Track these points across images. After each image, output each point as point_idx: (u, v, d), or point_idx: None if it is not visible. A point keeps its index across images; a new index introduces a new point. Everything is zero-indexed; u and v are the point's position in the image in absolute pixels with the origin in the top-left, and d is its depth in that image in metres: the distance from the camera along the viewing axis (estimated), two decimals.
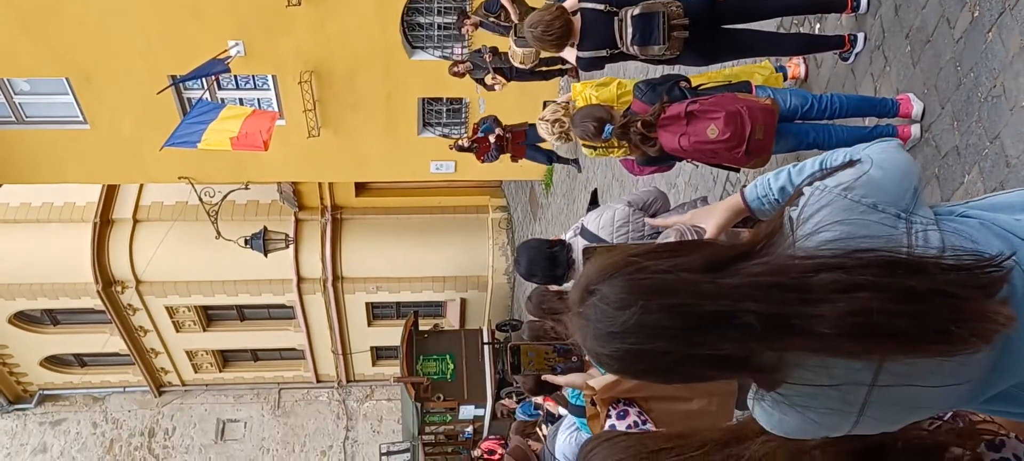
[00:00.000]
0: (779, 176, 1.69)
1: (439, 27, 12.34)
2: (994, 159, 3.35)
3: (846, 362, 1.25)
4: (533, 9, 8.03)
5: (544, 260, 3.89)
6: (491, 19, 8.67)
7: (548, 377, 3.82)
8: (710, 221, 1.83)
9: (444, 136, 13.70)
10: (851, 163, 1.47)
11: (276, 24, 11.50)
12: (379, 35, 11.93)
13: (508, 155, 10.87)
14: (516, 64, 8.51)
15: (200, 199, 15.05)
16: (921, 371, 1.27)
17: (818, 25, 5.05)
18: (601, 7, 4.25)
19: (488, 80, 9.30)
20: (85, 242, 17.32)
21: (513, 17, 7.84)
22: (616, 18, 4.14)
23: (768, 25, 5.12)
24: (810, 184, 1.43)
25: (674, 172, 7.68)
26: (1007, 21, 3.32)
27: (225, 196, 15.64)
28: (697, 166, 5.48)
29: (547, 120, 5.11)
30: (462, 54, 11.99)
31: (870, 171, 1.41)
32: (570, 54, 4.36)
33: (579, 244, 3.91)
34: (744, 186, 1.76)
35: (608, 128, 3.94)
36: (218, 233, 15.53)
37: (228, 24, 11.51)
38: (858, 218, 1.36)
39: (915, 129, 3.94)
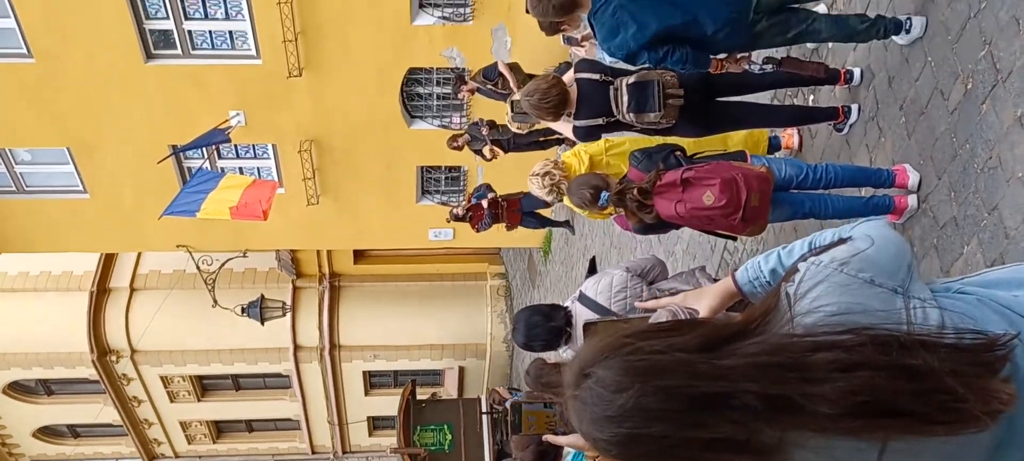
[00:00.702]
0: (769, 258, 1.68)
1: (438, 97, 12.49)
2: (993, 231, 3.34)
3: (849, 442, 1.23)
4: (531, 77, 8.14)
5: (542, 329, 3.85)
6: (489, 86, 8.77)
7: (549, 438, 3.75)
8: (702, 303, 1.81)
9: (442, 204, 13.75)
10: (842, 241, 1.46)
11: (277, 94, 11.64)
12: (379, 105, 12.07)
13: (504, 225, 10.90)
14: (514, 131, 8.57)
15: (198, 267, 15.03)
16: (925, 451, 1.25)
17: (812, 97, 5.10)
18: (596, 76, 4.31)
19: (486, 152, 9.37)
20: (81, 311, 17.24)
21: (511, 84, 7.92)
22: (612, 87, 4.19)
23: (762, 97, 5.18)
24: (803, 261, 1.42)
25: (672, 240, 7.68)
26: (1000, 93, 3.35)
27: (223, 264, 15.63)
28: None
29: (537, 175, 5.13)
30: (460, 125, 12.11)
31: (860, 244, 1.41)
32: (565, 128, 4.39)
33: (577, 310, 3.88)
34: (735, 269, 1.74)
35: (604, 195, 3.94)
36: (215, 301, 15.46)
37: (229, 94, 11.65)
38: (856, 293, 1.35)
39: (912, 200, 3.94)
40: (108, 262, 17.89)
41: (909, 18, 3.97)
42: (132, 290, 17.84)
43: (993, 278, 1.50)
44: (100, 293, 17.55)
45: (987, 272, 1.54)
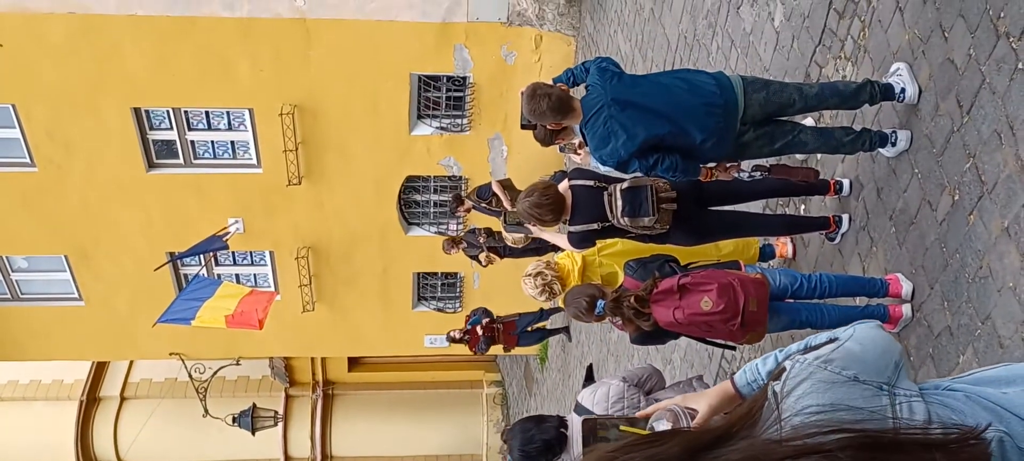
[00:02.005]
0: (766, 361, 1.70)
1: (435, 204, 12.64)
2: (987, 340, 3.35)
3: None
4: None
5: (538, 444, 3.78)
6: (483, 204, 8.91)
7: None
8: (702, 402, 1.84)
9: (438, 310, 13.72)
10: (833, 340, 1.49)
11: (276, 202, 11.77)
12: (376, 212, 12.19)
13: (500, 346, 10.89)
14: (509, 243, 8.66)
15: (190, 376, 14.84)
16: None
17: (803, 206, 5.18)
18: (591, 183, 4.39)
19: (482, 258, 9.45)
20: (70, 421, 16.91)
21: (505, 203, 8.05)
22: (606, 193, 4.27)
23: (755, 206, 5.26)
24: (790, 360, 1.44)
25: (669, 348, 7.64)
26: (987, 204, 3.41)
27: (215, 372, 15.44)
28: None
29: (530, 275, 5.14)
30: (457, 231, 12.23)
31: (848, 345, 1.43)
32: (559, 238, 4.43)
33: (574, 421, 3.83)
34: (733, 373, 1.76)
35: (600, 304, 3.95)
36: (206, 411, 15.20)
37: (229, 202, 11.78)
38: (840, 391, 1.36)
39: (906, 309, 3.95)
40: (99, 370, 17.66)
41: (894, 131, 4.08)
42: (122, 399, 17.55)
43: (983, 376, 1.51)
44: (90, 402, 17.26)
45: (977, 371, 1.56)
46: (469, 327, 10.33)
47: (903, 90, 3.97)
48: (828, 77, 4.88)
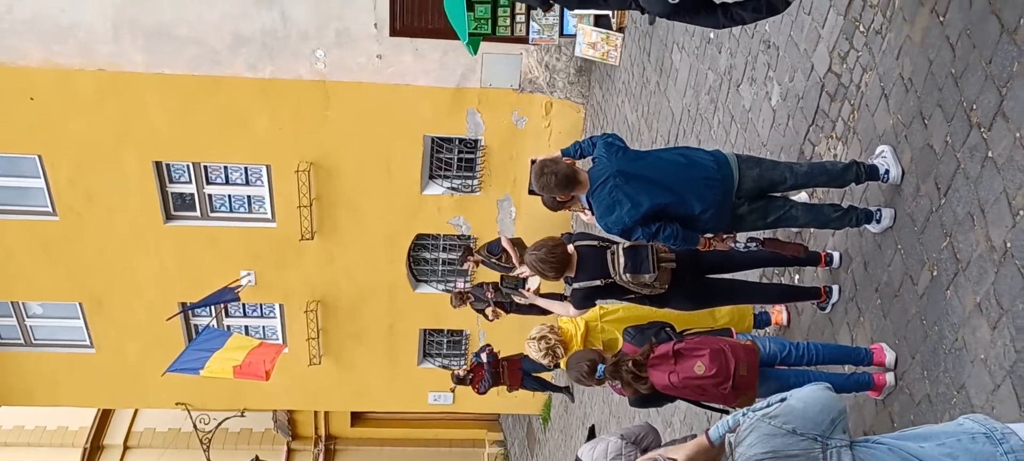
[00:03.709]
0: (735, 416, 1.97)
1: (443, 262, 12.91)
2: (962, 408, 3.56)
3: None
4: None
5: None
6: (493, 260, 9.16)
7: None
8: (681, 452, 2.12)
9: (443, 367, 13.88)
10: (782, 400, 1.81)
11: (288, 255, 12.06)
12: (386, 268, 12.47)
13: (505, 386, 10.99)
14: (516, 300, 8.87)
15: (194, 427, 14.96)
16: None
17: (797, 276, 5.43)
18: (594, 242, 4.67)
19: (488, 313, 9.65)
20: None
21: (514, 260, 8.30)
22: (609, 251, 4.54)
23: (751, 275, 5.51)
24: (744, 417, 1.75)
25: (669, 411, 7.81)
26: (961, 280, 3.66)
27: (219, 424, 15.56)
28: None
29: (534, 338, 5.37)
30: (465, 286, 12.47)
31: (791, 402, 1.76)
32: (563, 308, 4.68)
33: None
34: (708, 429, 2.02)
35: (601, 367, 4.18)
36: None
37: (242, 254, 12.08)
38: (779, 441, 1.68)
39: (890, 377, 4.17)
40: (104, 419, 17.79)
41: (879, 209, 4.35)
42: (125, 448, 17.64)
43: (907, 433, 1.80)
44: (93, 450, 17.35)
45: (904, 430, 1.84)
46: (475, 363, 10.46)
47: (887, 171, 4.25)
48: (820, 155, 5.18)
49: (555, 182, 4.18)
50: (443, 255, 12.87)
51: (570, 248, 4.69)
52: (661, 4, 3.36)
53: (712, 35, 6.98)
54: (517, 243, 9.13)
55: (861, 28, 4.73)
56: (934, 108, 3.99)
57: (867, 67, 4.68)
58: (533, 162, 4.44)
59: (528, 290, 7.46)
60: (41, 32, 10.02)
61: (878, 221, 4.33)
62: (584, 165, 4.49)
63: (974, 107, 3.66)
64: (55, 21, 9.97)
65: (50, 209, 11.54)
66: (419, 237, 12.48)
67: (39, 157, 11.09)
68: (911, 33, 4.24)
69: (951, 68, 3.86)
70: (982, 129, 3.59)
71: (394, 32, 10.35)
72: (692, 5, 3.42)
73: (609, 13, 9.36)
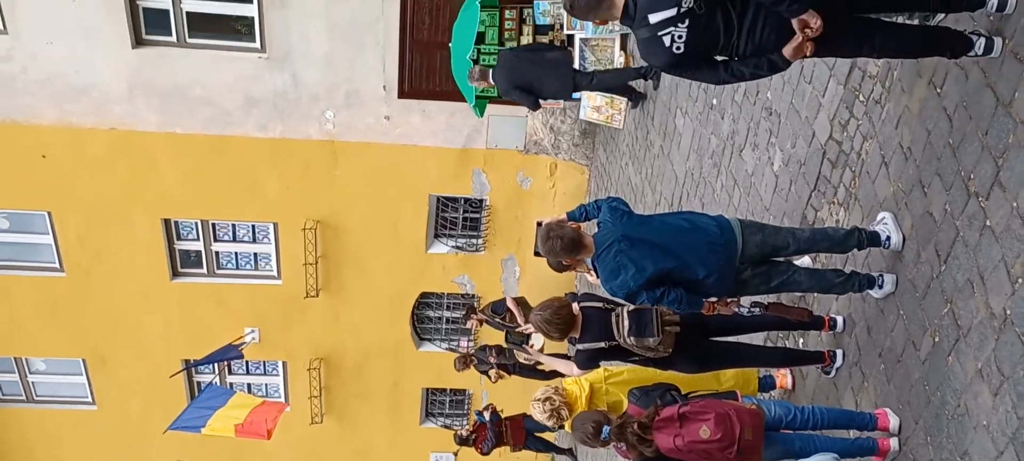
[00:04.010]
0: None
1: (447, 321, 12.93)
2: None
3: None
4: None
5: None
6: (497, 319, 9.20)
7: None
8: None
9: (446, 427, 13.79)
10: None
11: (293, 313, 12.10)
12: (390, 327, 12.49)
13: (508, 446, 10.92)
14: (520, 360, 8.90)
15: None
16: None
17: (801, 340, 5.47)
18: (599, 304, 4.73)
19: (492, 375, 9.66)
20: None
21: (519, 319, 8.35)
22: (613, 314, 4.58)
23: (755, 338, 5.55)
24: None
25: None
26: (962, 347, 3.70)
27: None
28: None
29: (539, 400, 5.39)
30: (468, 345, 12.48)
31: None
32: (567, 367, 4.72)
33: None
34: None
35: (606, 429, 4.19)
36: None
37: (247, 312, 12.12)
38: None
39: (894, 442, 4.18)
40: None
41: (881, 275, 4.41)
42: None
43: None
44: None
45: None
46: (478, 422, 10.40)
47: (888, 238, 4.32)
48: (822, 221, 5.26)
49: (561, 246, 4.26)
50: (447, 314, 12.90)
51: (575, 308, 4.74)
52: (666, 55, 3.46)
53: (714, 101, 7.13)
54: (521, 303, 9.18)
55: (861, 97, 4.85)
56: (933, 177, 4.08)
57: (867, 135, 4.78)
58: (539, 225, 4.52)
59: (531, 346, 7.49)
60: (55, 91, 10.24)
61: (880, 287, 4.39)
62: (589, 228, 4.57)
63: (972, 177, 3.75)
64: (69, 81, 10.19)
65: (57, 265, 11.63)
66: (423, 295, 12.53)
67: (48, 213, 11.22)
68: (909, 103, 4.35)
69: (949, 138, 3.96)
70: (980, 198, 3.67)
71: (402, 94, 10.56)
72: (694, 59, 3.52)
73: None
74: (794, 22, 3.26)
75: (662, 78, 8.59)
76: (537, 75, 8.16)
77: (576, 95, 9.13)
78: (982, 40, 3.58)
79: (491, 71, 8.47)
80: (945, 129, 4.00)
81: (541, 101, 8.49)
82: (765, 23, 3.34)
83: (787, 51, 3.33)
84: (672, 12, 3.33)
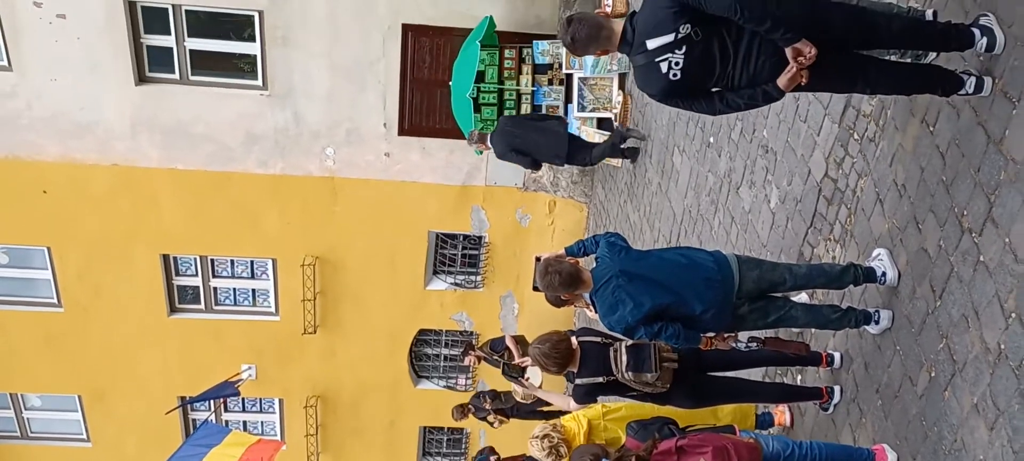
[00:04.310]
0: None
1: (445, 359, 12.90)
2: None
3: None
4: None
5: None
6: (495, 357, 9.19)
7: None
8: None
9: None
10: None
11: (290, 350, 12.07)
12: (387, 364, 12.45)
13: None
14: (518, 400, 8.88)
15: None
16: None
17: (799, 376, 5.48)
18: (598, 339, 4.75)
19: (491, 420, 9.62)
20: None
21: (516, 358, 8.34)
22: (611, 349, 4.60)
23: (753, 373, 5.56)
24: None
25: None
26: (958, 382, 3.72)
27: None
28: None
29: (537, 437, 5.37)
30: (466, 386, 12.45)
31: None
32: (565, 402, 4.73)
33: None
34: None
35: None
36: None
37: (244, 348, 12.09)
38: None
39: None
40: None
41: (878, 311, 4.44)
42: None
43: None
44: None
45: None
46: None
47: (884, 274, 4.36)
48: (819, 257, 5.30)
49: (559, 281, 4.29)
50: (445, 351, 12.87)
51: (574, 342, 4.76)
52: (663, 81, 3.52)
53: (712, 139, 7.21)
54: (520, 340, 9.18)
55: (855, 136, 4.92)
56: (927, 213, 4.13)
57: (862, 173, 4.85)
58: (538, 260, 4.56)
59: (527, 379, 7.48)
60: (59, 128, 10.33)
61: (877, 322, 4.41)
62: (588, 263, 4.61)
63: (965, 213, 3.80)
64: (74, 118, 10.29)
65: (56, 301, 11.63)
66: (421, 332, 12.51)
67: (48, 249, 11.25)
68: (903, 141, 4.42)
69: (942, 176, 4.02)
70: (973, 234, 3.72)
71: (402, 131, 10.66)
72: (690, 87, 3.58)
73: (611, 115, 9.66)
74: (788, 51, 3.33)
75: (639, 155, 9.01)
76: (533, 141, 8.54)
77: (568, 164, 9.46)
78: (973, 79, 3.66)
79: (489, 136, 8.76)
80: (938, 166, 4.06)
81: (538, 164, 8.79)
82: (760, 52, 3.41)
83: (782, 81, 3.40)
84: (669, 38, 3.40)
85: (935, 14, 3.99)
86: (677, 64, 3.45)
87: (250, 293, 12.16)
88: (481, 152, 9.96)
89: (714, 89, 3.62)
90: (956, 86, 3.68)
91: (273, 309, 12.02)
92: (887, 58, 3.84)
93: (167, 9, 9.81)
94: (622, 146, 9.06)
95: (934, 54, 3.91)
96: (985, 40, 3.59)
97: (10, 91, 10.07)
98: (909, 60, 3.95)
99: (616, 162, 9.76)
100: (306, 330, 11.76)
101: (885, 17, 3.75)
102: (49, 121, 10.28)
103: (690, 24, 3.39)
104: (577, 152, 8.92)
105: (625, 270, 4.26)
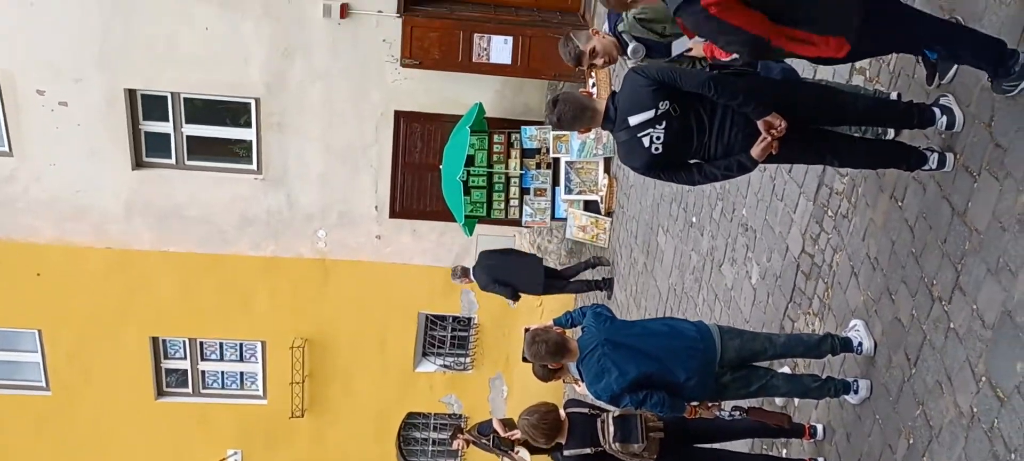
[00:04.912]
0: None
1: (434, 442, 12.80)
2: None
3: None
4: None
5: None
6: (483, 440, 9.16)
7: None
8: None
9: None
10: None
11: (278, 434, 11.97)
12: (375, 448, 12.35)
13: None
14: None
15: None
16: None
17: (785, 449, 5.54)
18: (585, 410, 4.83)
19: None
20: None
21: (501, 433, 8.33)
22: (599, 420, 4.68)
23: (739, 445, 5.61)
24: None
25: None
26: (935, 447, 3.82)
27: None
28: None
29: None
30: None
31: None
32: None
33: None
34: None
35: None
36: None
37: (231, 432, 11.99)
38: None
39: None
40: None
41: (856, 380, 4.56)
42: None
43: None
44: None
45: None
46: None
47: (860, 344, 4.50)
48: (799, 330, 5.43)
49: (546, 350, 4.41)
50: (433, 434, 12.78)
51: (562, 414, 4.84)
52: (645, 155, 3.72)
53: (694, 218, 7.43)
54: (507, 423, 9.18)
55: (829, 212, 5.13)
56: (899, 284, 4.29)
57: (837, 248, 5.03)
58: (526, 331, 4.69)
59: (517, 453, 7.46)
60: (56, 211, 10.49)
61: (856, 392, 4.52)
62: (575, 334, 4.73)
63: (935, 283, 3.96)
64: (71, 202, 10.45)
65: (44, 384, 11.57)
66: (410, 415, 12.45)
67: (38, 332, 11.26)
68: (874, 216, 4.62)
69: (912, 247, 4.20)
70: (943, 303, 3.88)
71: (394, 214, 10.87)
72: (671, 160, 3.79)
73: (598, 198, 9.91)
74: (760, 124, 3.55)
75: (613, 285, 9.57)
76: (512, 272, 9.18)
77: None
78: (935, 155, 3.88)
79: (471, 270, 9.32)
80: (908, 239, 4.24)
81: (518, 295, 9.26)
82: (733, 124, 3.64)
83: (755, 151, 3.61)
84: (650, 114, 3.64)
85: (899, 95, 4.25)
86: (658, 138, 3.67)
87: (238, 376, 12.13)
88: (471, 227, 10.18)
89: (693, 161, 3.83)
90: (920, 162, 3.90)
91: (261, 392, 11.97)
92: (854, 134, 4.07)
93: (166, 97, 10.11)
94: (598, 280, 9.56)
95: (897, 131, 4.14)
96: (945, 119, 3.82)
97: (9, 175, 10.25)
98: (875, 136, 4.18)
99: (603, 224, 10.01)
100: (294, 413, 11.70)
101: (851, 96, 3.99)
102: (46, 204, 10.43)
103: (668, 100, 3.63)
104: (553, 281, 9.54)
105: (610, 339, 4.38)
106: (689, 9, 3.15)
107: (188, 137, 10.41)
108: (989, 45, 3.38)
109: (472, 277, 9.31)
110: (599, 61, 4.09)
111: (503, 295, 9.16)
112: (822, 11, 3.18)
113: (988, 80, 3.51)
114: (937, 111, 3.84)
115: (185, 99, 10.17)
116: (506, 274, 8.99)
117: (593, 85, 9.17)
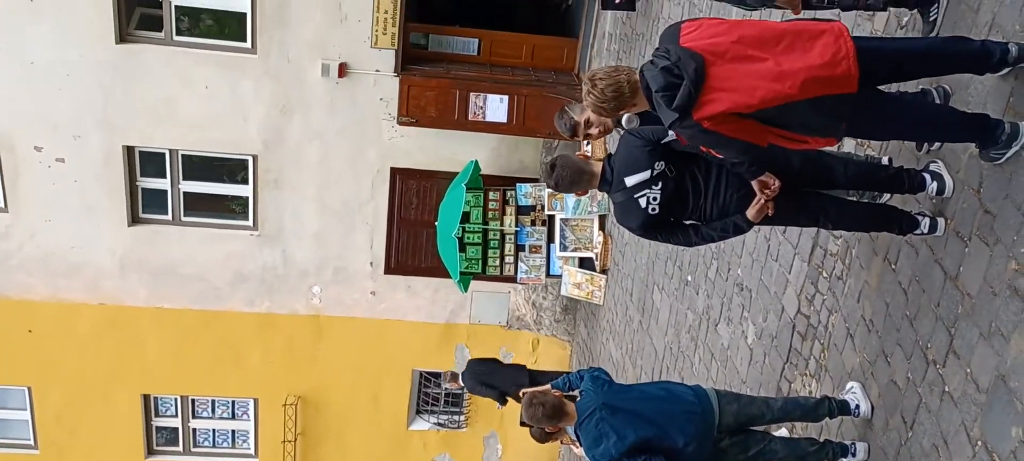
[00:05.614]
0: None
1: None
2: None
3: None
4: None
5: None
6: None
7: None
8: None
9: None
10: None
11: None
12: None
13: None
14: None
15: None
16: None
17: None
18: None
19: None
20: None
21: None
22: None
23: None
24: None
25: None
26: None
27: None
28: None
29: None
30: None
31: None
32: None
33: None
34: None
35: None
36: None
37: None
38: None
39: None
40: None
41: (854, 443, 4.55)
42: None
43: None
44: None
45: None
46: None
47: (857, 406, 4.51)
48: (796, 392, 5.44)
49: (543, 413, 4.41)
50: None
51: None
52: (642, 216, 3.77)
53: (689, 277, 7.46)
54: None
55: (824, 274, 5.17)
56: (894, 347, 4.32)
57: (832, 309, 5.07)
58: (523, 395, 4.68)
59: None
60: (50, 268, 10.46)
61: (853, 455, 4.51)
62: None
63: (929, 346, 3.99)
64: (65, 258, 10.44)
65: (32, 442, 11.41)
66: None
67: (28, 389, 11.15)
68: (868, 279, 4.66)
69: (906, 310, 4.24)
70: (937, 366, 3.90)
71: (388, 270, 10.88)
72: (667, 221, 3.84)
73: (593, 256, 9.96)
74: (755, 184, 3.62)
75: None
76: (500, 375, 9.21)
77: None
78: (927, 220, 3.94)
79: (461, 375, 9.45)
80: (902, 302, 4.28)
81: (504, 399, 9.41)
82: (728, 185, 3.71)
83: (750, 213, 3.68)
84: (646, 175, 3.71)
85: (890, 160, 4.33)
86: (655, 199, 3.74)
87: (230, 434, 11.99)
88: (466, 284, 10.20)
89: (689, 222, 3.89)
90: (911, 226, 3.96)
91: (252, 451, 11.82)
92: (847, 198, 4.14)
93: (164, 154, 10.17)
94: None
95: (888, 195, 4.21)
96: (935, 185, 3.89)
97: (3, 232, 10.25)
98: (867, 200, 4.25)
99: (598, 281, 10.03)
100: None
101: (842, 161, 4.07)
102: (40, 261, 10.41)
103: (664, 161, 3.71)
104: (538, 382, 9.47)
105: (608, 403, 4.38)
106: (684, 123, 3.24)
107: (185, 193, 10.45)
108: (973, 122, 3.48)
109: (461, 382, 9.44)
110: (594, 131, 4.17)
111: (490, 398, 9.26)
112: (811, 120, 3.28)
113: (976, 148, 3.59)
114: (927, 177, 3.92)
115: (183, 156, 10.23)
116: (492, 377, 9.14)
117: (587, 145, 9.29)
